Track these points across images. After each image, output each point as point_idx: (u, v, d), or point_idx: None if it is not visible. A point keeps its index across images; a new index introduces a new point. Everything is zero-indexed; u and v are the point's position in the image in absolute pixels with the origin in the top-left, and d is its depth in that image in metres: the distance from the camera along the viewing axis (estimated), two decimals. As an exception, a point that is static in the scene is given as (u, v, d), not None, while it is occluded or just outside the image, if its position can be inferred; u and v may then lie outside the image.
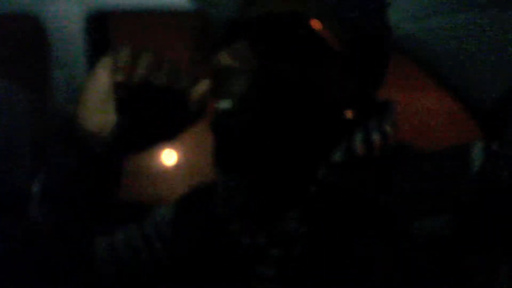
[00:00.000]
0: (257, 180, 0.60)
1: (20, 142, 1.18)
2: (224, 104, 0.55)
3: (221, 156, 0.57)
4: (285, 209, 0.58)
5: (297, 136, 0.56)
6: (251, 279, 0.58)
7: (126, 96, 0.54)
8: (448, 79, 0.60)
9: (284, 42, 0.55)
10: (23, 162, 1.15)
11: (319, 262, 0.55)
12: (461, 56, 0.57)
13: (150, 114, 0.56)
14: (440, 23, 0.57)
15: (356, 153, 0.56)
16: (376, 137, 0.57)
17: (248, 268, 0.59)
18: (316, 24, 0.55)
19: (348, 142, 0.57)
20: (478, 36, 0.57)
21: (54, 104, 1.19)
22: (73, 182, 0.59)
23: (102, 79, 0.54)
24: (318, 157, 0.57)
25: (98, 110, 0.55)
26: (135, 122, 0.56)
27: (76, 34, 1.17)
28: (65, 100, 1.17)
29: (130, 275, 0.72)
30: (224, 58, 0.55)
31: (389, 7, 0.56)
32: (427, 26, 0.58)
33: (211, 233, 0.65)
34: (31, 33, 1.23)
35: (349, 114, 0.58)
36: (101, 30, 1.23)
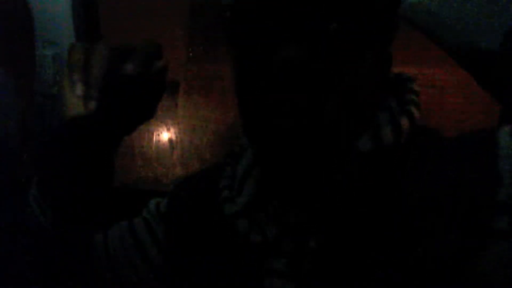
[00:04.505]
0: (271, 170, 0.55)
1: (8, 123, 1.15)
2: None
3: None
4: (301, 200, 0.52)
5: (313, 124, 0.47)
6: (260, 274, 0.53)
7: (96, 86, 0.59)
8: (455, 47, 0.58)
9: None
10: (12, 146, 1.13)
11: (334, 256, 0.49)
12: (471, 22, 0.54)
13: (124, 98, 0.60)
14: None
15: (384, 140, 0.50)
16: (403, 120, 0.51)
17: (257, 263, 0.54)
18: None
19: (373, 128, 0.50)
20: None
21: (40, 84, 1.15)
22: (69, 171, 0.62)
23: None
24: (339, 145, 0.49)
25: (76, 104, 0.60)
26: (112, 107, 0.60)
27: (63, 13, 1.13)
28: (51, 79, 1.14)
29: (125, 276, 0.69)
30: None
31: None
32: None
33: (214, 231, 0.59)
34: (18, 13, 1.19)
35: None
36: (90, 9, 1.18)
